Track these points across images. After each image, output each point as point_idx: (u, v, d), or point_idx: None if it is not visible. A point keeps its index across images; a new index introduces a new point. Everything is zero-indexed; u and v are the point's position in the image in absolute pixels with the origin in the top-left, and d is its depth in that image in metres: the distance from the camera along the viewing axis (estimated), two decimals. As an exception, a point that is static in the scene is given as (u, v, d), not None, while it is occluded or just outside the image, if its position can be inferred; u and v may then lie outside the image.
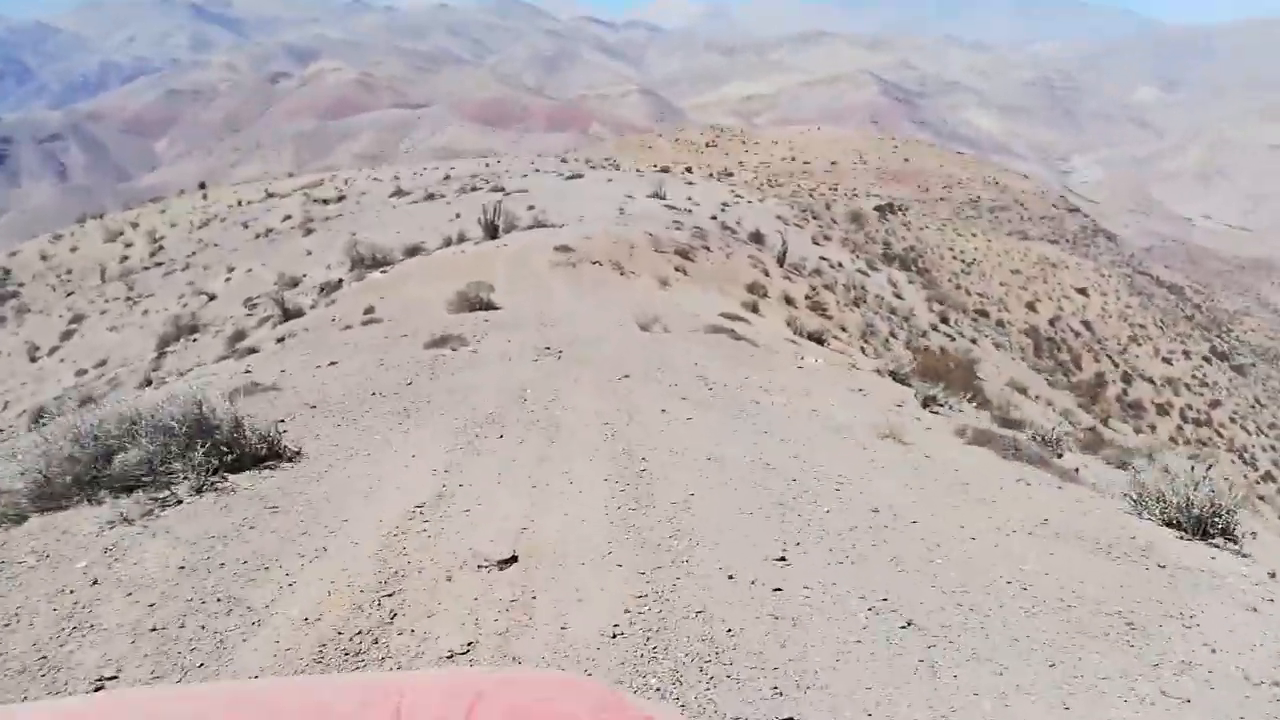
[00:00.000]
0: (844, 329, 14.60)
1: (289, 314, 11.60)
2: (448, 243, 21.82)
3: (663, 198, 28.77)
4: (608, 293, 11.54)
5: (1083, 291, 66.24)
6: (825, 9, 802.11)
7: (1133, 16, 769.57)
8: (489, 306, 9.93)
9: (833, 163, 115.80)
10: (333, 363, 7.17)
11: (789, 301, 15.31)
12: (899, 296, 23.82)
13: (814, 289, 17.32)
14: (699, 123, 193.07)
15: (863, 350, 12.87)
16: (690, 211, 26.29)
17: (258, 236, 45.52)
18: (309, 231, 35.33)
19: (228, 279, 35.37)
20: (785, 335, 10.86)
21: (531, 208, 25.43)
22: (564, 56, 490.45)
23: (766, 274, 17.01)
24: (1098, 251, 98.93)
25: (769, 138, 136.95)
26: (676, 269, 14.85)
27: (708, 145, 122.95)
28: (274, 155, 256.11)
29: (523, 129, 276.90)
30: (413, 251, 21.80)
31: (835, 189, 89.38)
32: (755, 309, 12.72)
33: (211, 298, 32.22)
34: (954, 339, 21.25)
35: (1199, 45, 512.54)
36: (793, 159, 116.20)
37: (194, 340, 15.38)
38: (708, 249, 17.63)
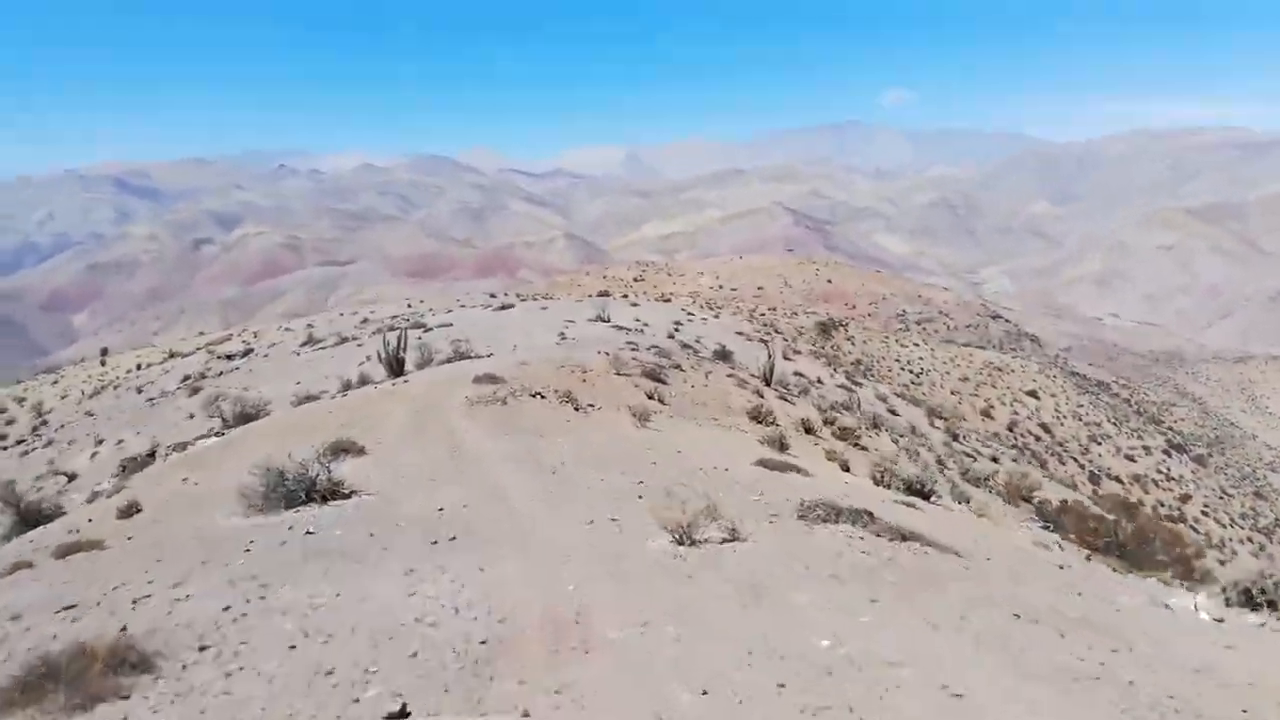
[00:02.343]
0: (894, 463, 10.65)
1: (28, 519, 6.97)
2: (347, 387, 17.49)
3: (607, 320, 25.16)
4: (564, 441, 7.26)
5: (1033, 394, 65.07)
6: (733, 149, 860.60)
7: (1019, 138, 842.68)
8: (329, 494, 5.46)
9: (759, 288, 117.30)
10: None
11: (808, 430, 11.34)
12: (894, 413, 20.28)
13: (823, 412, 13.48)
14: (624, 260, 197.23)
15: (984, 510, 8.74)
16: (642, 332, 22.58)
17: (149, 401, 40.12)
18: (195, 391, 30.27)
19: (95, 454, 29.67)
20: (874, 490, 6.70)
21: (455, 341, 21.35)
22: (490, 208, 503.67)
23: (760, 396, 13.15)
24: (1025, 354, 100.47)
25: (694, 269, 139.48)
26: (650, 396, 10.77)
27: (635, 280, 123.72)
28: (199, 321, 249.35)
29: (451, 278, 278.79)
30: (306, 401, 17.45)
31: (774, 310, 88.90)
32: (783, 446, 8.66)
33: (71, 478, 26.64)
34: (973, 458, 17.56)
35: (1083, 160, 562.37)
36: (720, 287, 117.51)
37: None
38: (679, 369, 13.72)
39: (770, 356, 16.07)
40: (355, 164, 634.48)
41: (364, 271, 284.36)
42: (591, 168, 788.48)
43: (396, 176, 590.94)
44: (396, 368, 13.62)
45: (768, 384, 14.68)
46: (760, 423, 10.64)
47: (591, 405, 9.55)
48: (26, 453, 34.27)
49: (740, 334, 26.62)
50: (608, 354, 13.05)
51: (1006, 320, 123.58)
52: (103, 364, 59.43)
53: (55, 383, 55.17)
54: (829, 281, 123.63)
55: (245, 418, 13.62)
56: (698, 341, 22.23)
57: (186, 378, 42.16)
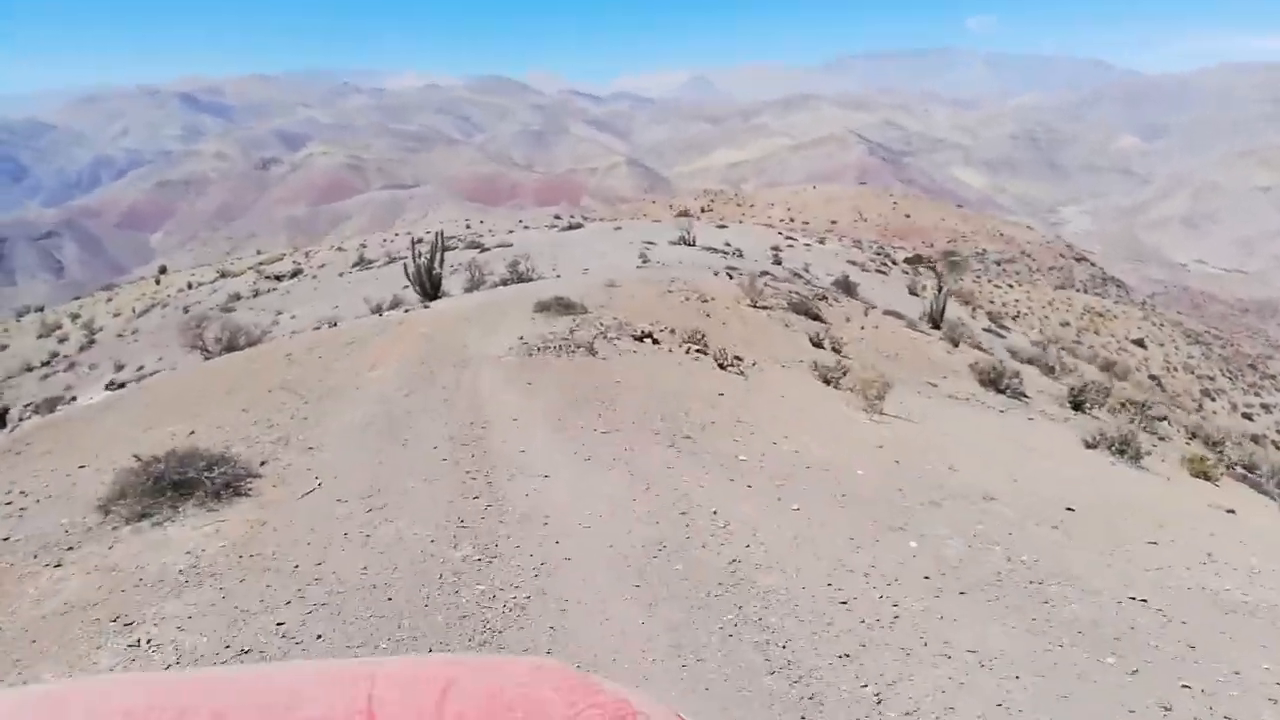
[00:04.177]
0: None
1: None
2: (377, 311, 14.05)
3: (693, 244, 20.98)
4: (743, 459, 3.29)
5: (1140, 343, 58.62)
6: (805, 74, 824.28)
7: (1107, 68, 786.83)
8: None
9: (832, 221, 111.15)
10: None
11: (1076, 405, 7.21)
12: (1066, 366, 15.92)
13: (1050, 373, 9.29)
14: (689, 189, 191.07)
15: None
16: (740, 256, 18.31)
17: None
18: (227, 312, 27.60)
19: (111, 380, 27.06)
20: None
21: (514, 261, 17.45)
22: (551, 131, 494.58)
23: (954, 344, 9.10)
24: (1111, 300, 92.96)
25: (764, 199, 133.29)
26: (816, 343, 6.75)
27: (703, 210, 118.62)
28: (268, 242, 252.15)
29: (514, 204, 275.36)
30: (322, 326, 14.12)
31: (859, 243, 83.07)
32: (1136, 453, 4.66)
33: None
34: (1158, 426, 13.18)
35: (1175, 93, 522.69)
36: (791, 219, 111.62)
37: None
38: (825, 301, 9.63)
39: (943, 289, 11.78)
40: (419, 84, 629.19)
41: (428, 195, 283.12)
42: (657, 90, 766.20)
43: (458, 96, 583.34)
44: (429, 289, 9.85)
45: (938, 327, 10.55)
46: (1000, 390, 6.56)
47: (740, 359, 5.58)
48: (46, 376, 31.71)
49: (854, 263, 22.19)
50: (731, 275, 9.03)
51: (1091, 264, 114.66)
52: (157, 282, 58.12)
53: (109, 300, 53.90)
54: (906, 216, 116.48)
55: (232, 348, 10.23)
56: (807, 269, 17.94)
57: (234, 297, 39.72)
